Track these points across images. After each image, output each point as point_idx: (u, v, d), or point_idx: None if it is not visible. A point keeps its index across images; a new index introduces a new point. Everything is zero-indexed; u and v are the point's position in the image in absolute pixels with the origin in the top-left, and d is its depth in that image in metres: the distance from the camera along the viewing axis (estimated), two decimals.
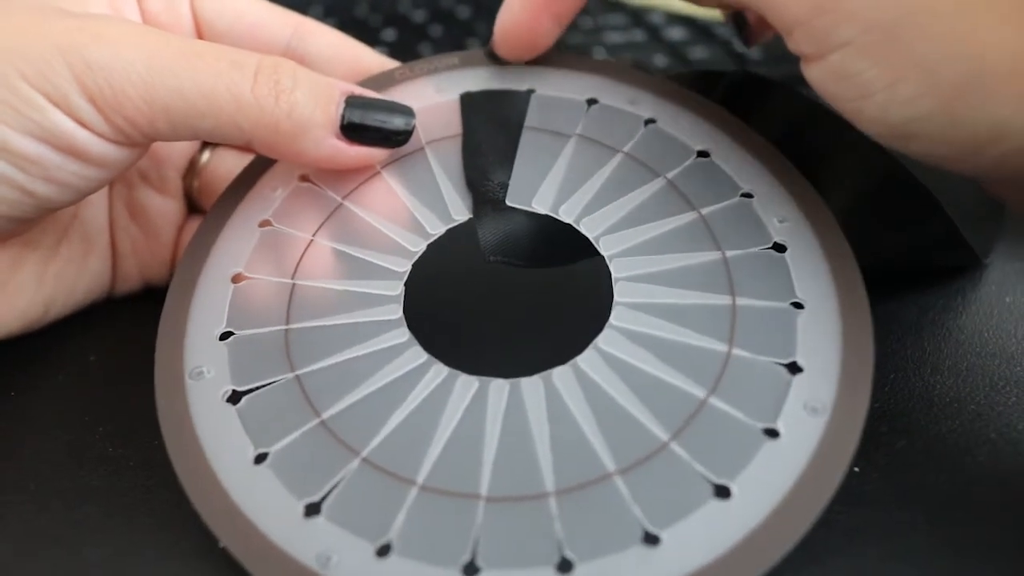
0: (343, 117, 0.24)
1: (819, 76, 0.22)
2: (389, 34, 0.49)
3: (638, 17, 0.50)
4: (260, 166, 0.27)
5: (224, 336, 0.23)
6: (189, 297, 0.24)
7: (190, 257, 0.25)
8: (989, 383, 0.26)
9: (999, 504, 0.22)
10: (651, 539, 0.19)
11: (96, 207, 0.29)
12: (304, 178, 0.26)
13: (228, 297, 0.24)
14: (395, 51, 0.37)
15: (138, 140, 0.23)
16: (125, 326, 0.29)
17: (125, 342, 0.28)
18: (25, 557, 0.21)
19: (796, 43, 0.22)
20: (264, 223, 0.25)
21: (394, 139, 0.26)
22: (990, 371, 0.26)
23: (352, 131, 0.25)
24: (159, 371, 0.23)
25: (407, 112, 0.26)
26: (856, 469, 0.22)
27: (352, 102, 0.25)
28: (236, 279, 0.24)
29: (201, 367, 0.23)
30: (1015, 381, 0.26)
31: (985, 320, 0.28)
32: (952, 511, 0.21)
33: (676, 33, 0.48)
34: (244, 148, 0.27)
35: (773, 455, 0.20)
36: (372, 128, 0.25)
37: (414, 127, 0.26)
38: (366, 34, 0.46)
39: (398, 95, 0.28)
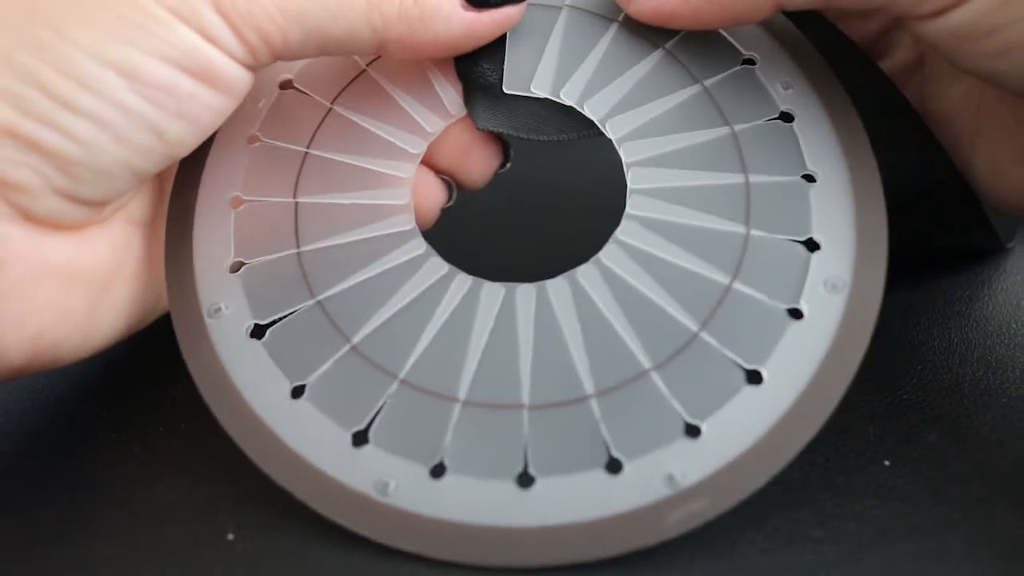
0: None
1: (942, 35, 0.20)
2: None
3: None
4: None
5: (235, 267, 0.23)
6: (190, 230, 0.23)
7: (180, 186, 0.24)
8: (1019, 373, 0.25)
9: None
10: (692, 431, 0.20)
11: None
12: (286, 85, 0.25)
13: (231, 225, 0.23)
14: None
15: (263, 59, 0.21)
16: None
17: None
18: (28, 547, 0.21)
19: (906, 3, 0.20)
20: (252, 139, 0.24)
21: None
22: (1020, 361, 0.26)
23: (477, 1, 0.23)
24: (177, 315, 0.22)
25: None
26: (887, 463, 0.22)
27: None
28: (235, 203, 0.23)
29: (219, 303, 0.22)
30: None
31: (1013, 309, 0.27)
32: (987, 506, 0.21)
33: None
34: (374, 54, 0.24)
35: (799, 336, 0.21)
36: None
37: None
38: None
39: None
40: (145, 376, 0.25)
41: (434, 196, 0.25)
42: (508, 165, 0.26)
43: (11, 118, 0.19)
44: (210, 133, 0.22)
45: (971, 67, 0.21)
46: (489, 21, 0.23)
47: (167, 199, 0.24)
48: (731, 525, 0.20)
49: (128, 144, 0.20)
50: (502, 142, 0.26)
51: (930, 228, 0.29)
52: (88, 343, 0.22)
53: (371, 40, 0.22)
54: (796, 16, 0.25)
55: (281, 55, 0.21)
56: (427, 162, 0.25)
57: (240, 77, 0.21)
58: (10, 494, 0.22)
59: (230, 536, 0.20)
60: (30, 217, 0.20)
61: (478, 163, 0.25)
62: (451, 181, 0.26)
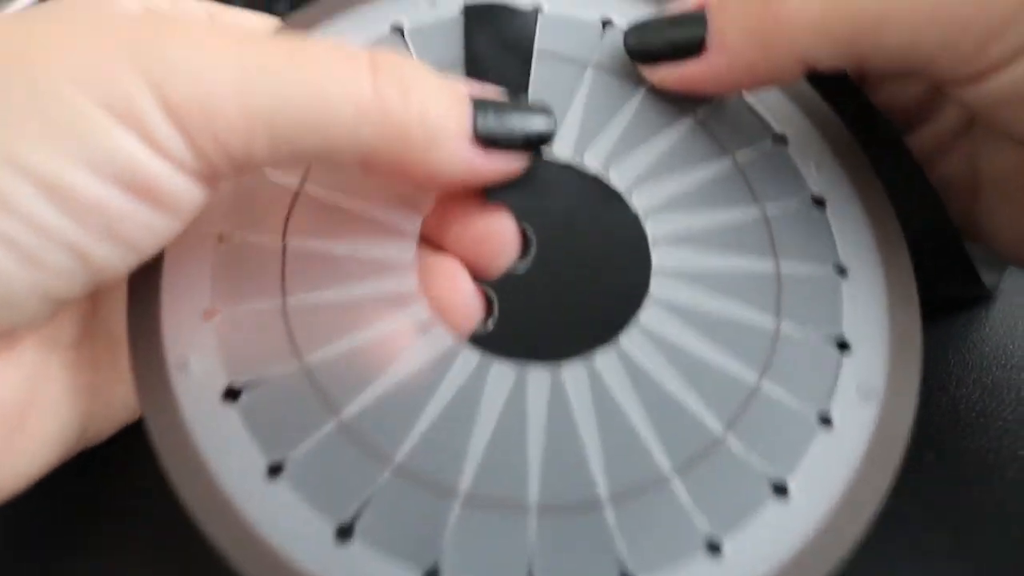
0: (475, 124, 0.19)
1: (984, 100, 0.19)
2: None
3: None
4: None
5: (209, 315, 0.20)
6: (159, 264, 0.20)
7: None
8: (1016, 397, 0.25)
9: None
10: (713, 547, 0.18)
11: (116, 290, 0.21)
12: None
13: (209, 263, 0.20)
14: None
15: (222, 171, 0.17)
16: None
17: None
18: None
19: (944, 67, 0.19)
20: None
21: (536, 141, 0.20)
22: (1016, 384, 0.25)
23: (487, 134, 0.19)
24: (138, 367, 0.19)
25: (546, 110, 0.21)
26: None
27: (481, 105, 0.19)
28: (215, 238, 0.20)
29: (187, 356, 0.19)
30: None
31: (1010, 332, 0.27)
32: (983, 528, 0.21)
33: None
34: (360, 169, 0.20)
35: (828, 446, 0.19)
36: (509, 131, 0.20)
37: (556, 125, 0.21)
38: None
39: (385, 7, 0.23)
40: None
41: (467, 308, 0.21)
42: (529, 258, 0.21)
43: None
44: (149, 256, 0.18)
45: (1017, 132, 0.20)
46: (493, 168, 0.20)
47: (100, 315, 0.21)
48: None
49: (42, 267, 0.16)
50: (522, 231, 0.21)
51: (919, 278, 0.28)
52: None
53: (354, 156, 0.18)
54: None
55: (244, 167, 0.18)
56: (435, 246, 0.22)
57: (190, 193, 0.17)
58: None
59: None
60: None
61: (493, 248, 0.21)
62: (490, 293, 0.21)
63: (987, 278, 0.28)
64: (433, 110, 0.18)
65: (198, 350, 0.19)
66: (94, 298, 0.21)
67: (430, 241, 0.21)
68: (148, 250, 0.18)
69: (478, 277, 0.21)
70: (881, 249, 0.22)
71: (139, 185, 0.17)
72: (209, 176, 0.18)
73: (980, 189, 0.24)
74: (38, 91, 0.16)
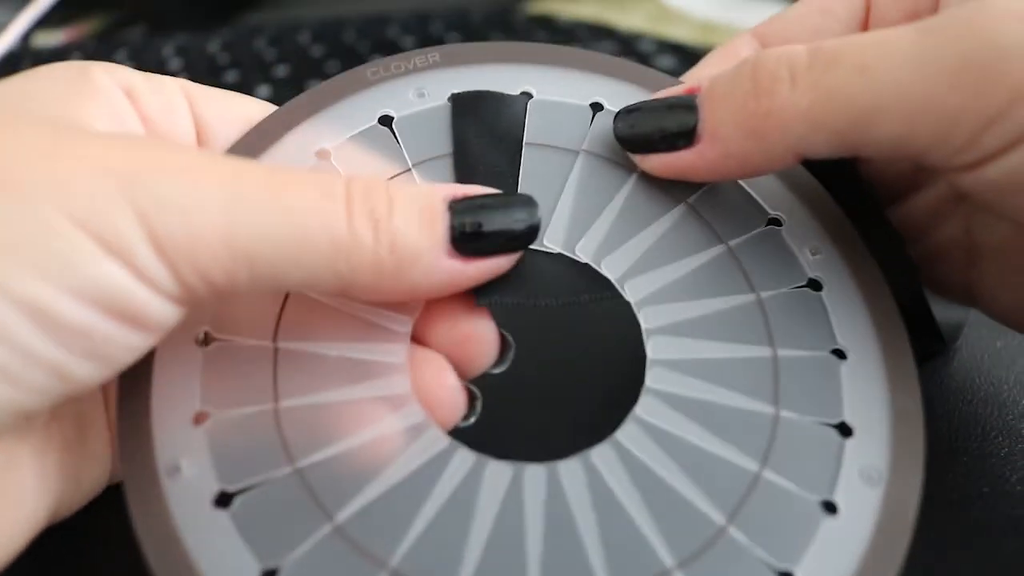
0: (453, 229, 0.19)
1: (981, 186, 0.19)
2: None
3: (628, 45, 0.48)
4: None
5: (200, 418, 0.20)
6: (149, 366, 0.20)
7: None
8: (981, 432, 0.25)
9: (998, 566, 0.22)
10: None
11: None
12: None
13: (199, 365, 0.20)
14: None
15: (202, 298, 0.18)
16: None
17: None
18: None
19: (937, 156, 0.19)
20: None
21: (519, 241, 0.20)
22: (982, 419, 0.25)
23: (466, 242, 0.19)
24: (128, 473, 0.19)
25: (527, 202, 0.20)
26: None
27: (458, 207, 0.19)
28: (205, 340, 0.20)
29: (178, 461, 0.19)
30: (1006, 431, 0.25)
31: (976, 366, 0.27)
32: (950, 566, 0.21)
33: (667, 62, 0.46)
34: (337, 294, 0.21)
35: (834, 533, 0.19)
36: (490, 234, 0.20)
37: (539, 221, 0.20)
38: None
39: (373, 99, 0.23)
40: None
41: (452, 403, 0.21)
42: (506, 363, 0.21)
43: None
44: (123, 370, 0.18)
45: (1013, 216, 0.20)
46: (475, 273, 0.20)
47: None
48: None
49: (20, 386, 0.16)
50: (502, 336, 0.22)
51: None
52: None
53: (335, 285, 0.18)
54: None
55: (225, 294, 0.18)
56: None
57: (169, 315, 0.18)
58: None
59: None
60: None
61: (473, 350, 0.21)
62: (474, 389, 0.21)
63: (954, 314, 0.28)
64: (403, 236, 0.19)
65: (189, 455, 0.19)
66: None
67: (416, 338, 0.21)
68: (124, 364, 0.18)
69: (464, 375, 0.21)
70: (879, 331, 0.21)
71: (123, 311, 0.17)
72: (190, 301, 0.18)
73: (977, 257, 0.24)
74: (27, 218, 0.16)
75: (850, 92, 0.19)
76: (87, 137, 0.18)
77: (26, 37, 0.48)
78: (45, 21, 0.49)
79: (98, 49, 0.45)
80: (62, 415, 0.20)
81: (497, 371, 0.21)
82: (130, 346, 0.18)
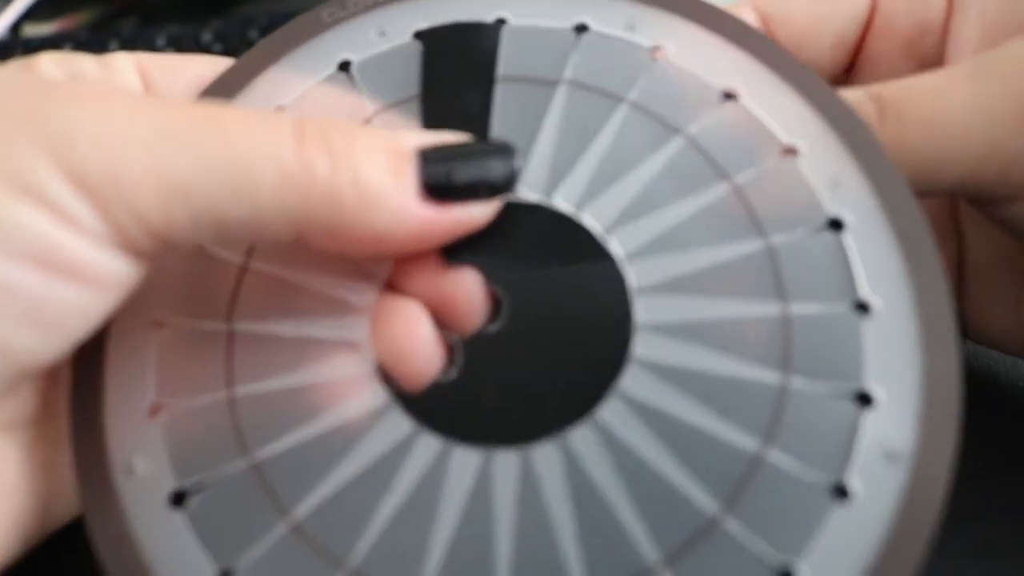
0: (425, 177, 0.17)
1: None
2: None
3: None
4: None
5: (154, 410, 0.18)
6: (101, 355, 0.19)
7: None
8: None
9: None
10: None
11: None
12: None
13: (152, 352, 0.19)
14: None
15: (146, 245, 0.16)
16: None
17: None
18: None
19: (999, 194, 0.20)
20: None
21: (497, 189, 0.18)
22: None
23: (439, 192, 0.17)
24: (81, 473, 0.18)
25: (505, 151, 0.19)
26: None
27: (430, 155, 0.18)
28: (158, 324, 0.19)
29: (133, 458, 0.18)
30: None
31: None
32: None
33: None
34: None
35: (845, 522, 0.17)
36: (464, 187, 0.18)
37: (520, 168, 0.19)
38: None
39: (330, 43, 0.21)
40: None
41: (423, 356, 0.19)
42: (500, 321, 0.19)
43: None
44: (82, 339, 0.17)
45: None
46: (448, 223, 0.18)
47: (60, 389, 0.19)
48: None
49: None
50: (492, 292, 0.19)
51: None
52: None
53: (285, 226, 0.17)
54: None
55: (168, 239, 0.16)
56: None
57: (115, 267, 0.16)
58: None
59: None
60: None
61: (458, 311, 0.19)
62: (454, 340, 0.19)
63: None
64: (366, 170, 0.17)
65: (144, 451, 0.18)
66: (53, 372, 0.20)
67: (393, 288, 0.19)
68: (79, 332, 0.17)
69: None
70: (913, 279, 0.18)
71: (52, 261, 0.15)
72: (132, 249, 0.16)
73: (967, 279, 0.24)
74: None
75: (915, 144, 0.19)
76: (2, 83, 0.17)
77: (16, 28, 0.47)
78: (37, 13, 0.48)
79: (90, 39, 0.43)
80: (54, 411, 0.19)
81: (492, 330, 0.19)
82: (76, 307, 0.16)
